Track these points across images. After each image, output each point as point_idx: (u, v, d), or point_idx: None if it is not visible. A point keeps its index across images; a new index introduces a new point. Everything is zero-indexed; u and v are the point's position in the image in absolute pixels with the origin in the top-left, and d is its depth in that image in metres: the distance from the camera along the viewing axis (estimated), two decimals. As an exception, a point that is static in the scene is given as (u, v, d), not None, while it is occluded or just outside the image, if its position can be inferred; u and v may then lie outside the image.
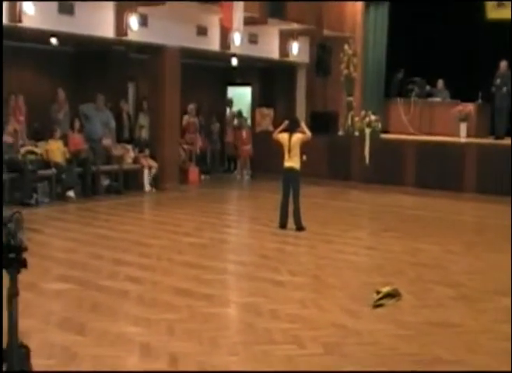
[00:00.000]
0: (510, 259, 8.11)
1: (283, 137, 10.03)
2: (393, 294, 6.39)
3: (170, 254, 8.27)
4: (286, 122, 10.18)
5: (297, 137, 9.96)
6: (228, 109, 18.94)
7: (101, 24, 12.72)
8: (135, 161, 14.08)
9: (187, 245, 8.85)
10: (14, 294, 2.77)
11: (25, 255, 2.74)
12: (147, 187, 13.98)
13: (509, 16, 17.09)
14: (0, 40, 10.04)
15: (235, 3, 13.54)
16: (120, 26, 12.87)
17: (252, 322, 5.71)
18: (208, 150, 17.27)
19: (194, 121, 16.36)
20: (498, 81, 15.33)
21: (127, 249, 8.48)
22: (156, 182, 14.15)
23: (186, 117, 16.11)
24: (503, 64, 15.39)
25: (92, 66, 15.43)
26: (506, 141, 14.58)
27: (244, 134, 17.25)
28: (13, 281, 2.75)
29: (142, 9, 13.01)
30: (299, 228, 9.91)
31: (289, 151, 9.91)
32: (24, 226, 2.78)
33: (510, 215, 11.13)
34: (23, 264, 2.75)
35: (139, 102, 16.12)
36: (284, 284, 6.98)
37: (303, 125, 10.39)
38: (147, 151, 14.28)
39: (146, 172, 14.01)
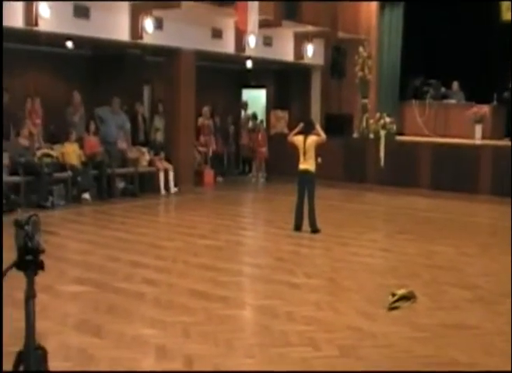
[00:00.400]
0: (526, 261, 8.09)
1: (298, 139, 10.04)
2: (408, 297, 6.39)
3: (186, 256, 8.30)
4: (301, 124, 10.20)
5: (312, 139, 9.97)
6: (243, 112, 18.98)
7: (116, 27, 12.79)
8: (151, 163, 14.14)
9: (202, 248, 8.88)
10: (31, 296, 2.79)
11: (42, 257, 2.76)
12: (162, 190, 14.04)
13: (524, 17, 17.05)
14: (0, 40, 10.13)
15: (250, 5, 13.57)
16: (136, 29, 12.94)
17: (268, 325, 5.72)
18: (224, 152, 17.31)
19: (209, 123, 16.40)
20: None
21: (143, 252, 8.51)
22: (169, 184, 14.19)
23: (201, 119, 16.16)
24: None
25: (107, 69, 15.52)
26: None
27: (260, 136, 17.28)
28: (30, 283, 2.77)
29: (157, 12, 13.08)
30: (314, 230, 9.91)
31: (304, 153, 9.91)
32: (41, 228, 2.81)
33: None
34: (41, 266, 2.77)
35: (155, 104, 16.20)
36: (300, 287, 6.99)
37: (318, 127, 10.40)
38: (162, 154, 14.32)
39: (162, 174, 14.06)
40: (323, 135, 10.10)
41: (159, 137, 14.93)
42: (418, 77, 17.46)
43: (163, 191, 14.01)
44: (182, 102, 14.35)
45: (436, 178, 14.61)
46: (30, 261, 2.73)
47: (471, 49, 17.26)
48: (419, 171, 14.87)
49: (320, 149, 10.45)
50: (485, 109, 15.89)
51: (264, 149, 17.16)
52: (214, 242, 9.24)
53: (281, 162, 15.95)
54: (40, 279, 2.90)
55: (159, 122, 15.38)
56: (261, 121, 18.07)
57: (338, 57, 16.95)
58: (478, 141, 15.22)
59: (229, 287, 6.88)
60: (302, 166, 9.98)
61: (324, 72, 17.73)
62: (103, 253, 8.37)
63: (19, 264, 2.74)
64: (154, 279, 7.16)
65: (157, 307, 6.18)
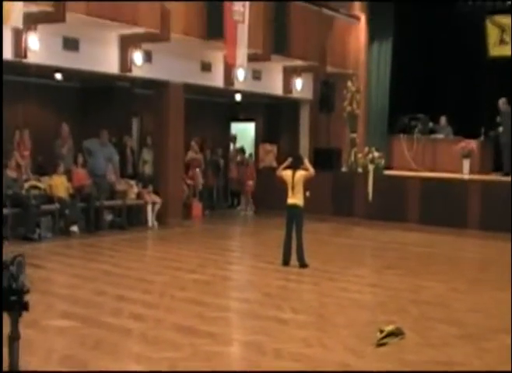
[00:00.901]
0: (514, 297, 8.14)
1: (286, 174, 10.10)
2: (396, 333, 6.39)
3: (173, 291, 8.28)
4: (290, 159, 10.28)
5: (300, 174, 10.03)
6: (232, 145, 19.08)
7: (105, 60, 12.91)
8: (139, 196, 14.16)
9: (190, 282, 8.87)
10: (16, 337, 2.75)
11: (27, 297, 2.74)
12: (150, 223, 14.03)
13: (510, 53, 17.34)
14: (0, 44, 10.20)
15: (239, 39, 13.73)
16: (125, 62, 13.06)
17: (255, 361, 5.71)
18: (214, 185, 17.34)
19: (198, 157, 16.47)
20: (498, 118, 15.55)
21: (130, 286, 8.49)
22: (159, 217, 14.20)
23: (189, 153, 16.23)
24: (501, 102, 15.61)
25: (96, 101, 15.61)
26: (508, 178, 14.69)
27: (247, 170, 17.38)
28: (15, 324, 2.73)
29: (147, 45, 13.21)
30: (303, 265, 9.93)
31: (293, 188, 9.97)
32: (27, 262, 2.78)
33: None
34: (25, 307, 2.73)
35: (143, 137, 16.27)
36: (287, 322, 6.99)
37: (307, 162, 10.47)
38: (150, 187, 14.35)
39: (150, 207, 14.07)
40: (311, 170, 10.17)
41: (148, 169, 14.97)
42: (406, 112, 17.66)
43: (150, 224, 14.00)
44: (171, 135, 14.44)
45: (425, 212, 14.69)
46: (15, 302, 2.70)
47: (459, 84, 17.54)
48: (407, 205, 14.96)
49: (308, 183, 10.53)
50: (472, 143, 16.07)
51: (251, 183, 17.25)
52: (202, 277, 9.23)
53: (269, 195, 16.00)
54: (26, 314, 2.89)
55: (147, 154, 15.43)
56: (250, 155, 18.16)
57: (327, 92, 17.11)
58: (466, 176, 15.36)
59: (217, 323, 6.87)
60: (290, 201, 10.03)
61: (313, 106, 17.90)
62: (91, 287, 8.34)
63: (4, 305, 2.69)
64: (141, 314, 7.14)
65: (144, 342, 6.16)
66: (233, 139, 19.17)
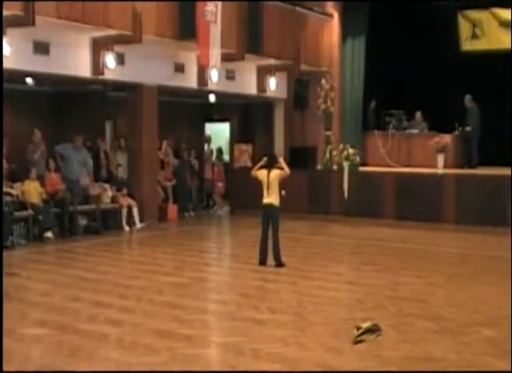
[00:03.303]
0: (491, 290, 8.21)
1: (261, 173, 10.11)
2: (373, 330, 6.42)
3: (150, 295, 8.25)
4: (264, 158, 10.29)
5: (275, 173, 10.05)
6: (206, 146, 19.05)
7: (77, 63, 12.82)
8: (113, 200, 14.08)
9: (167, 285, 8.84)
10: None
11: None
12: (126, 226, 13.97)
13: (482, 48, 17.50)
14: (0, 44, 10.12)
15: (212, 39, 13.70)
16: (97, 65, 12.98)
17: (233, 363, 5.71)
18: (192, 187, 17.30)
19: (167, 159, 16.45)
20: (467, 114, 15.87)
21: (106, 291, 8.45)
22: (134, 220, 14.14)
23: (159, 154, 16.17)
24: (467, 99, 15.86)
25: (70, 105, 15.52)
26: (481, 171, 14.85)
27: (217, 171, 17.48)
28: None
29: (119, 48, 13.13)
30: (279, 264, 9.95)
31: (268, 187, 9.98)
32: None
33: (489, 246, 11.25)
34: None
35: (117, 140, 16.18)
36: (265, 323, 6.99)
37: (282, 161, 10.48)
38: (125, 190, 14.29)
39: (125, 211, 14.00)
40: (286, 169, 10.19)
41: (122, 173, 14.90)
42: (380, 108, 17.76)
43: (126, 228, 13.95)
44: (144, 138, 14.39)
45: (400, 208, 14.77)
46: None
47: (433, 79, 17.62)
48: (382, 201, 15.04)
49: (284, 182, 10.54)
50: (446, 138, 16.22)
51: (220, 184, 17.31)
52: (178, 279, 9.21)
53: (245, 195, 15.99)
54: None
55: (121, 158, 15.35)
56: (218, 156, 18.18)
57: (301, 90, 17.15)
58: (440, 170, 15.49)
59: (194, 326, 6.86)
60: (266, 200, 10.04)
61: (287, 105, 17.93)
62: (66, 294, 8.28)
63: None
64: (118, 319, 7.10)
65: (121, 348, 6.12)
66: (208, 140, 19.14)
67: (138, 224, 14.11)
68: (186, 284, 8.97)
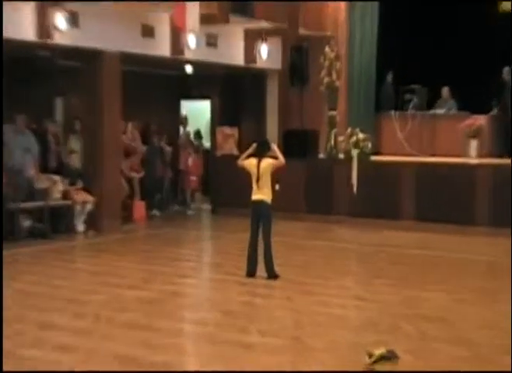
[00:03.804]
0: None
1: (250, 163, 10.14)
2: (388, 357, 6.45)
3: (111, 313, 8.26)
4: (254, 145, 10.31)
5: (268, 163, 10.07)
6: (181, 129, 19.06)
7: (18, 24, 12.68)
8: (65, 195, 14.06)
9: (132, 301, 8.86)
10: None
11: None
12: (80, 228, 13.96)
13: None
14: (0, 41, 10.11)
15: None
16: (44, 27, 12.90)
17: (214, 397, 5.75)
18: (165, 179, 17.33)
19: (133, 145, 16.46)
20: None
21: (57, 309, 8.44)
22: (92, 221, 14.14)
23: (124, 138, 16.19)
24: (506, 71, 15.81)
25: (10, 78, 15.43)
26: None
27: (190, 161, 17.52)
28: None
29: (72, 5, 13.05)
30: (272, 275, 9.98)
31: (258, 180, 10.01)
32: None
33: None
34: None
35: (70, 121, 16.12)
36: (254, 347, 7.03)
37: (275, 148, 10.48)
38: (80, 183, 14.28)
39: (79, 209, 13.99)
40: (281, 158, 10.21)
41: (76, 161, 14.86)
42: (398, 82, 17.79)
43: (80, 230, 13.93)
44: (105, 118, 14.37)
45: (422, 207, 14.80)
46: None
47: (464, 47, 17.58)
48: (400, 199, 15.08)
49: (278, 174, 10.57)
50: (481, 120, 16.23)
51: (194, 178, 17.40)
52: (147, 294, 9.22)
53: (230, 190, 16.04)
54: None
55: (75, 143, 15.31)
56: (199, 139, 18.21)
57: (299, 60, 17.14)
58: (473, 160, 15.50)
59: (166, 351, 6.88)
60: (255, 196, 10.07)
61: (283, 78, 17.96)
62: (7, 313, 8.24)
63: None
64: (71, 344, 7.11)
65: (75, 379, 6.15)
66: (184, 121, 19.16)
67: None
68: (156, 299, 8.98)
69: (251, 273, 10.10)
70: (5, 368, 6.34)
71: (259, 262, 10.11)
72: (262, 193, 10.04)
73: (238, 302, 8.90)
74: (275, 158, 10.24)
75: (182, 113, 19.76)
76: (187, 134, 18.66)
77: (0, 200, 11.16)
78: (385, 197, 15.18)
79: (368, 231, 14.48)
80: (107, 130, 14.44)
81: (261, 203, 10.04)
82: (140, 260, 11.77)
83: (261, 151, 10.23)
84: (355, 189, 15.49)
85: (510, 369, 5.01)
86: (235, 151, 16.98)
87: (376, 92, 18.20)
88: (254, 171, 10.07)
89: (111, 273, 10.58)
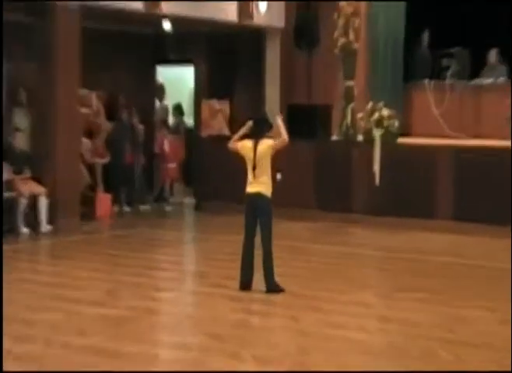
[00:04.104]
0: None
1: (245, 146, 10.11)
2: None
3: (67, 336, 8.24)
4: (250, 123, 10.27)
5: (267, 144, 10.03)
6: (157, 102, 19.04)
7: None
8: (8, 186, 14.04)
9: (95, 321, 8.86)
10: None
11: None
12: (23, 229, 13.96)
13: None
14: (0, 36, 10.12)
15: None
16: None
17: None
18: (136, 166, 17.31)
19: (97, 122, 16.44)
20: None
21: (-2, 329, 8.46)
22: (41, 218, 14.15)
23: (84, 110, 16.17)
24: None
25: None
26: None
27: (167, 144, 17.52)
28: None
29: None
30: (272, 288, 9.98)
31: (255, 167, 9.97)
32: None
33: None
34: None
35: (13, 92, 16.07)
36: (249, 379, 7.05)
37: (280, 122, 10.35)
38: (27, 171, 14.25)
39: (25, 203, 13.95)
40: (284, 134, 10.11)
41: (22, 142, 14.81)
42: (433, 45, 17.76)
43: (24, 230, 13.93)
44: (59, 88, 14.35)
45: (462, 203, 14.84)
46: None
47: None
48: (434, 192, 15.13)
49: (279, 159, 10.52)
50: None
51: (173, 165, 17.39)
52: (113, 311, 9.22)
53: (218, 181, 16.08)
54: None
55: (21, 119, 15.29)
56: (179, 115, 18.21)
57: (307, 16, 17.14)
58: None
59: (138, 384, 6.90)
60: (251, 188, 10.05)
61: (286, 39, 17.95)
62: None
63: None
64: (16, 373, 7.13)
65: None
66: (160, 92, 19.12)
67: (45, 227, 14.09)
68: (124, 318, 8.98)
69: (246, 285, 10.10)
70: None
71: (256, 271, 10.12)
72: (260, 185, 10.01)
73: (229, 322, 8.89)
74: (276, 137, 10.19)
75: (158, 81, 19.70)
76: (165, 109, 18.63)
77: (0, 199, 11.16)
78: (415, 191, 15.23)
79: (393, 234, 14.53)
80: (63, 103, 14.43)
81: (258, 196, 10.02)
82: (105, 269, 11.75)
83: (259, 131, 10.19)
84: (377, 180, 15.52)
85: (510, 369, 5.11)
86: (225, 131, 17.03)
87: (405, 57, 18.11)
88: (249, 156, 10.04)
89: (68, 285, 10.57)
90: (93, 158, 16.19)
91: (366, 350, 8.01)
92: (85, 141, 15.89)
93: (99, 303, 9.64)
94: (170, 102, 19.06)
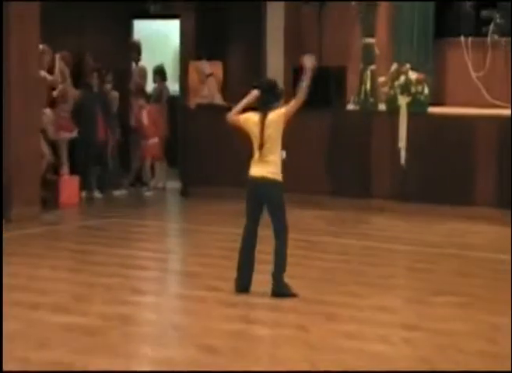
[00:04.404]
0: None
1: (249, 119, 10.05)
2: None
3: (25, 349, 8.24)
4: (255, 92, 10.17)
5: (277, 115, 9.94)
6: (134, 64, 19.01)
7: None
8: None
9: (57, 331, 8.85)
10: None
11: None
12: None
13: None
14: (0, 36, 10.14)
15: None
16: None
17: None
18: (109, 142, 17.30)
19: (61, 88, 16.42)
20: None
21: None
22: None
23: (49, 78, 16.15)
24: None
25: None
26: None
27: (144, 114, 17.53)
28: None
29: None
30: (282, 291, 9.97)
31: (262, 145, 9.94)
32: None
33: None
34: None
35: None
36: (248, 402, 7.05)
37: (310, 66, 10.25)
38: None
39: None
40: (301, 95, 9.96)
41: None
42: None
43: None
44: (12, 44, 14.31)
45: (507, 187, 14.80)
46: None
47: None
48: (473, 174, 15.11)
49: (285, 134, 10.42)
50: None
51: (153, 141, 17.39)
52: (81, 320, 9.21)
53: (209, 160, 16.04)
54: None
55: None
56: (161, 80, 18.22)
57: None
58: None
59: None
60: (256, 170, 9.99)
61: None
62: None
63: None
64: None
65: None
66: (136, 52, 19.06)
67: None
68: (96, 327, 8.96)
69: (244, 287, 10.12)
70: None
71: (258, 271, 10.14)
72: (267, 166, 9.96)
73: (223, 332, 8.87)
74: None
75: (134, 38, 19.66)
76: (142, 73, 18.58)
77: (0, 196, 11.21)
78: (451, 171, 15.19)
79: (424, 224, 14.57)
80: (17, 64, 14.39)
81: (265, 181, 9.97)
82: (71, 267, 11.75)
83: (268, 102, 10.10)
84: (403, 158, 15.49)
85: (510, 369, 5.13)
86: (217, 99, 16.96)
87: (436, 8, 18.09)
88: (254, 131, 9.96)
89: (26, 288, 10.59)
90: (57, 133, 16.14)
91: (390, 365, 7.97)
92: (46, 111, 15.85)
93: (64, 309, 9.62)
94: (149, 64, 19.00)
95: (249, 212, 10.14)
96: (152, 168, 18.09)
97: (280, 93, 10.33)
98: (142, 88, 18.42)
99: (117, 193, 17.21)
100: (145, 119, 17.75)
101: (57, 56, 16.47)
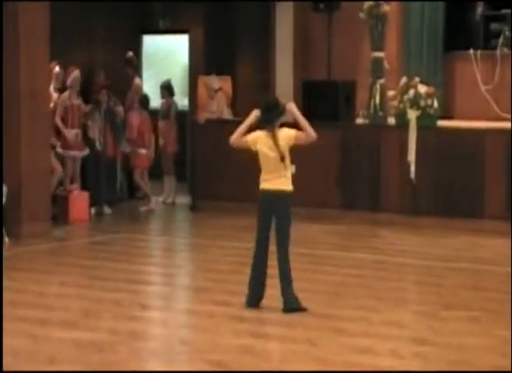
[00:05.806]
0: None
1: (258, 138, 9.95)
2: None
3: (33, 365, 8.18)
4: (255, 112, 10.08)
5: (287, 135, 9.91)
6: (137, 79, 19.03)
7: None
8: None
9: (65, 347, 8.80)
10: None
11: None
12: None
13: None
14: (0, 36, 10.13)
15: None
16: None
17: None
18: (116, 157, 17.31)
19: (75, 103, 16.41)
20: None
21: None
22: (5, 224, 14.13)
23: (63, 96, 16.14)
24: None
25: None
26: None
27: (141, 123, 17.58)
28: None
29: None
30: (293, 306, 9.91)
31: (283, 157, 9.82)
32: None
33: None
34: None
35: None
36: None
37: (294, 109, 10.17)
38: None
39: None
40: (308, 129, 9.97)
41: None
42: (480, 6, 17.69)
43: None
44: (23, 60, 14.32)
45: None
46: None
47: None
48: (483, 186, 15.06)
49: (293, 148, 10.40)
50: None
51: (141, 152, 17.40)
52: (89, 336, 9.16)
53: (218, 175, 16.02)
54: None
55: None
56: (168, 95, 18.23)
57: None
58: None
59: None
60: (269, 183, 9.92)
61: (301, 1, 17.91)
62: None
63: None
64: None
65: None
66: (131, 65, 19.00)
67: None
68: (104, 343, 8.92)
69: (255, 301, 10.09)
70: None
71: (269, 285, 10.10)
72: (279, 180, 9.93)
73: (233, 348, 8.82)
74: (293, 127, 10.08)
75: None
76: (136, 89, 18.51)
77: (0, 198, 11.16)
78: (460, 185, 15.16)
79: (434, 238, 14.53)
80: (26, 79, 14.40)
81: (280, 194, 9.93)
82: (80, 283, 11.70)
83: (270, 119, 10.01)
84: (412, 172, 15.45)
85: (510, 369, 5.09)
86: (226, 114, 16.97)
87: (446, 21, 18.07)
88: (265, 148, 9.86)
89: (34, 304, 10.55)
90: (68, 151, 16.10)
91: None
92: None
93: (73, 325, 9.59)
94: (158, 79, 19.00)
95: (261, 226, 10.06)
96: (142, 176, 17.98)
97: (281, 110, 10.18)
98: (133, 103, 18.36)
99: (127, 208, 17.21)
100: (145, 130, 17.71)
101: (75, 71, 16.42)
